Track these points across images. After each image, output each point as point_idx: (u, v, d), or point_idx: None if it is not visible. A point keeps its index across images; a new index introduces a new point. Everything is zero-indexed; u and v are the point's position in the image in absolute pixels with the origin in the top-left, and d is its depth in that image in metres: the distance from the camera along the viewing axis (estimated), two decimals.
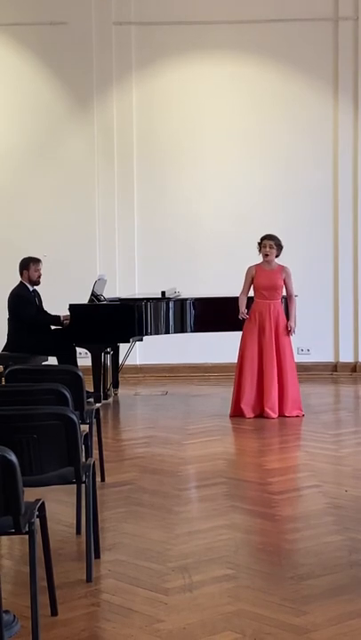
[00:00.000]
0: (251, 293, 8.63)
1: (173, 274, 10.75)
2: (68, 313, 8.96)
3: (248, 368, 8.46)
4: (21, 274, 9.07)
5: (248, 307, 8.60)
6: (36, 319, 8.98)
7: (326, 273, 11.10)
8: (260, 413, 8.40)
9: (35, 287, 9.13)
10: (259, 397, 8.45)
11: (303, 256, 10.75)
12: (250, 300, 8.63)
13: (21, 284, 9.06)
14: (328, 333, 11.21)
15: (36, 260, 9.08)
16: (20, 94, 11.17)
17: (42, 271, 9.08)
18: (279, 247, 8.54)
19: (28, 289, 9.06)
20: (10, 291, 9.06)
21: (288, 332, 8.48)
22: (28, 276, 9.04)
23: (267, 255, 8.50)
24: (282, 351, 8.47)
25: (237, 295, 8.58)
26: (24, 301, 8.97)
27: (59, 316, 9.04)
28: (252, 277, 8.53)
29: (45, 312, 9.19)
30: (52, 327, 9.07)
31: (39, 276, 9.06)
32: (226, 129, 11.17)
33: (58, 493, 5.35)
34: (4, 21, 11.07)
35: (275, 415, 8.35)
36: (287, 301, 8.65)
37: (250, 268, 8.58)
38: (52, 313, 9.13)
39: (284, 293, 8.68)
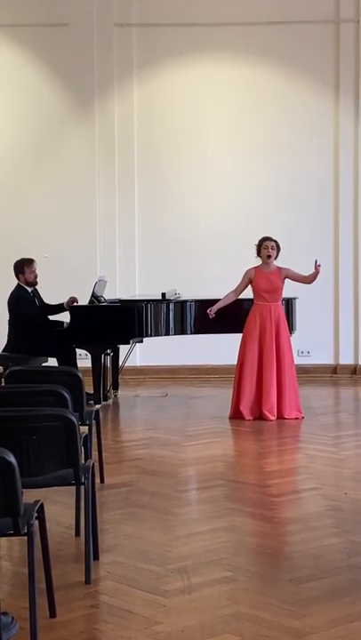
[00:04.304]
0: (246, 295, 8.63)
1: (174, 275, 10.75)
2: (69, 318, 8.95)
3: (248, 370, 8.45)
4: (17, 277, 9.05)
5: (244, 308, 8.63)
6: (37, 319, 8.98)
7: (327, 275, 11.00)
8: (259, 416, 8.40)
9: (33, 287, 9.13)
10: (258, 400, 8.45)
11: (303, 257, 10.67)
12: (248, 302, 8.64)
13: (19, 287, 9.03)
14: (328, 335, 11.21)
15: (30, 262, 9.04)
16: (21, 95, 11.17)
17: (37, 271, 9.06)
18: (278, 248, 8.57)
19: (27, 290, 9.05)
20: (9, 291, 9.05)
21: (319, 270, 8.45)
22: (25, 279, 9.02)
23: (269, 256, 8.50)
24: (282, 353, 8.47)
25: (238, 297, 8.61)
26: (24, 303, 8.96)
27: (62, 304, 9.04)
28: (250, 280, 8.54)
29: (49, 306, 9.18)
30: (53, 329, 9.05)
31: (35, 277, 9.04)
32: (227, 130, 11.18)
33: (57, 495, 5.34)
34: (5, 22, 11.07)
35: (273, 417, 8.34)
36: (310, 279, 8.55)
37: (248, 271, 8.58)
38: (55, 305, 9.16)
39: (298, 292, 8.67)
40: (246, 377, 8.45)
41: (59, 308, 9.15)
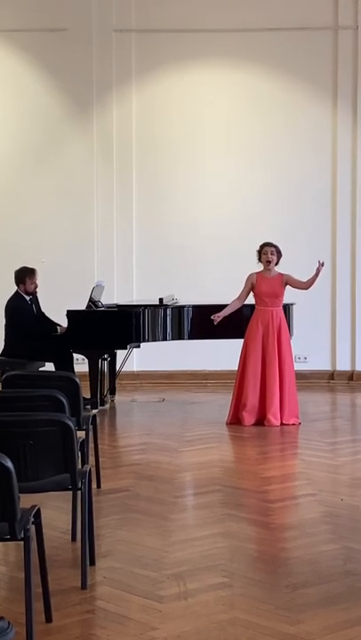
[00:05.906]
0: (246, 301, 8.65)
1: (172, 280, 10.76)
2: (66, 322, 8.95)
3: (251, 375, 8.44)
4: (18, 286, 9.03)
5: (242, 314, 8.64)
6: (36, 330, 8.95)
7: (324, 280, 11.04)
8: (262, 420, 8.39)
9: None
10: (262, 404, 8.44)
11: (301, 264, 10.71)
12: (249, 308, 8.66)
13: (18, 295, 9.01)
14: (325, 341, 11.21)
15: (31, 273, 9.02)
16: (20, 100, 11.19)
17: (38, 281, 9.06)
18: (279, 254, 8.59)
19: (25, 299, 9.03)
20: (6, 293, 9.04)
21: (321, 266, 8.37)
22: (25, 288, 9.01)
23: (269, 262, 8.52)
24: (283, 358, 8.48)
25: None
26: (21, 312, 8.94)
27: (55, 326, 9.03)
28: (252, 285, 8.55)
29: (44, 317, 9.18)
30: (50, 334, 9.04)
31: (35, 287, 9.04)
32: (225, 136, 11.20)
33: (54, 500, 5.34)
34: (4, 27, 11.09)
35: (277, 422, 8.34)
36: (309, 283, 8.48)
37: (250, 276, 8.60)
38: (51, 320, 9.13)
39: (295, 298, 8.65)
40: (250, 382, 8.44)
41: (52, 328, 9.07)
